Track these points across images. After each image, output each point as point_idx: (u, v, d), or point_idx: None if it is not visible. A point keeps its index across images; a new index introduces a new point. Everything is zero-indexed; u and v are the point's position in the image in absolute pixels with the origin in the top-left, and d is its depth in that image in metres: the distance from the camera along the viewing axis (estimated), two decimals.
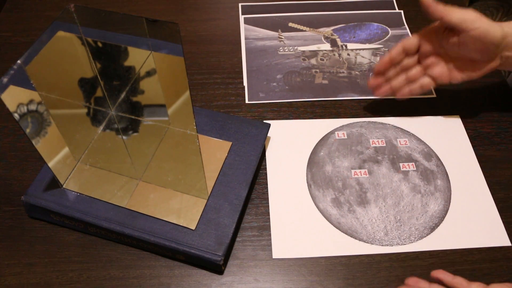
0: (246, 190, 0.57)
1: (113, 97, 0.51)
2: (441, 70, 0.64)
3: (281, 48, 0.80)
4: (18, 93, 0.45)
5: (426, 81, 0.65)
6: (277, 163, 0.63)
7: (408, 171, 0.62)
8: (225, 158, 0.60)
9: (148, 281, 0.53)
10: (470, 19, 0.57)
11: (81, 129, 0.57)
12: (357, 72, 0.76)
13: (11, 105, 0.44)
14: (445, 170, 0.63)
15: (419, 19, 0.85)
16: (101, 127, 0.58)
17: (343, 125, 0.68)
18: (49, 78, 0.49)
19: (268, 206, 0.59)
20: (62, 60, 0.50)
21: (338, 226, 0.57)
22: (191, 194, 0.56)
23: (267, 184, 0.61)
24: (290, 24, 0.85)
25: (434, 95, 0.72)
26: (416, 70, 0.65)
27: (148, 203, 0.55)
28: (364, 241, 0.56)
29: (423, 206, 0.59)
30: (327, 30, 0.84)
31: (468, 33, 0.58)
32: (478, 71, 0.62)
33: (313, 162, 0.64)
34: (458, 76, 0.63)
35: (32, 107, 0.48)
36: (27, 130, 0.48)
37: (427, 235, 0.56)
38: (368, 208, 0.59)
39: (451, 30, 0.60)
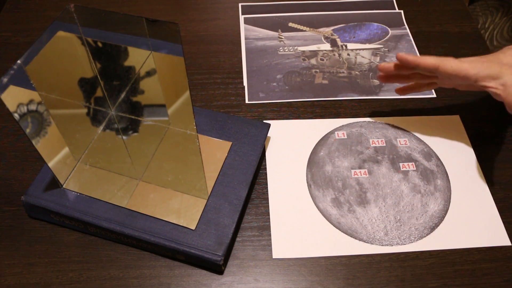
0: (246, 190, 0.57)
1: (113, 97, 0.51)
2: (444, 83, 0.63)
3: (281, 48, 0.80)
4: (18, 93, 0.45)
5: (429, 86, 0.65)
6: (277, 163, 0.63)
7: (408, 171, 0.62)
8: (225, 158, 0.60)
9: (148, 281, 0.53)
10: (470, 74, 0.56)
11: (81, 129, 0.57)
12: (357, 72, 0.76)
13: (11, 105, 0.44)
14: (445, 170, 0.63)
15: (419, 19, 0.85)
16: (101, 127, 0.58)
17: (343, 125, 0.68)
18: (49, 78, 0.49)
19: (268, 206, 0.59)
20: (62, 60, 0.50)
21: (338, 226, 0.57)
22: (191, 194, 0.56)
23: (267, 184, 0.61)
24: (290, 24, 0.85)
25: (434, 95, 0.72)
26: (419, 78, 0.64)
27: (148, 203, 0.55)
28: (364, 241, 0.56)
29: (423, 206, 0.59)
30: (327, 30, 0.84)
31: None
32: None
33: (313, 162, 0.64)
34: (461, 88, 0.63)
35: (32, 107, 0.48)
36: (27, 130, 0.48)
37: (427, 235, 0.56)
38: (368, 208, 0.59)
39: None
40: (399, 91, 0.68)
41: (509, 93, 0.54)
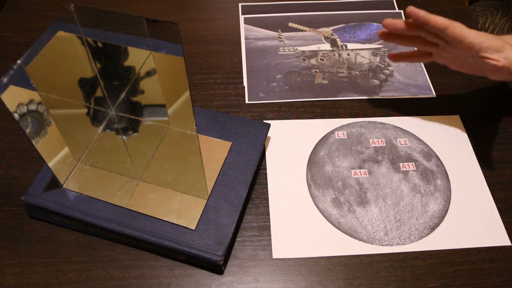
0: (246, 190, 0.57)
1: (113, 97, 0.51)
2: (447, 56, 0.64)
3: (281, 48, 0.80)
4: (18, 93, 0.45)
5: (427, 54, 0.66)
6: (277, 163, 0.63)
7: (408, 171, 0.62)
8: (225, 158, 0.60)
9: (148, 281, 0.53)
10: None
11: (81, 129, 0.57)
12: (357, 72, 0.76)
13: (11, 105, 0.44)
14: (445, 170, 0.63)
15: None
16: (101, 127, 0.58)
17: (343, 125, 0.68)
18: (49, 78, 0.49)
19: (268, 206, 0.59)
20: (62, 60, 0.50)
21: (338, 226, 0.57)
22: (191, 194, 0.56)
23: (267, 184, 0.61)
24: (290, 24, 0.85)
25: (434, 95, 0.72)
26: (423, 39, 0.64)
27: (148, 203, 0.55)
28: (364, 241, 0.56)
29: (423, 206, 0.59)
30: (327, 30, 0.84)
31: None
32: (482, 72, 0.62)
33: (313, 162, 0.64)
34: (459, 68, 0.64)
35: (32, 107, 0.48)
36: (27, 130, 0.48)
37: (427, 235, 0.56)
38: (368, 208, 0.59)
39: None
40: (392, 57, 0.68)
41: None
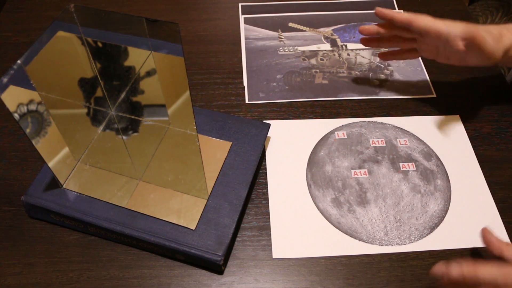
0: (246, 190, 0.57)
1: (113, 97, 0.51)
2: (431, 52, 0.65)
3: (281, 48, 0.80)
4: (18, 93, 0.45)
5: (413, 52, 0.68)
6: (277, 163, 0.63)
7: (408, 171, 0.62)
8: (225, 158, 0.60)
9: (148, 281, 0.53)
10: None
11: (81, 129, 0.57)
12: (357, 72, 0.76)
13: (11, 105, 0.44)
14: (445, 170, 0.63)
15: None
16: (101, 127, 0.58)
17: (343, 125, 0.68)
18: (49, 78, 0.49)
19: (268, 206, 0.59)
20: (62, 60, 0.50)
21: (338, 226, 0.57)
22: (191, 194, 0.56)
23: (267, 184, 0.61)
24: (290, 24, 0.85)
25: (434, 95, 0.72)
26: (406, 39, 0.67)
27: (148, 203, 0.55)
28: (364, 241, 0.56)
29: (423, 206, 0.59)
30: (327, 30, 0.84)
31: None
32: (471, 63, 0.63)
33: (313, 162, 0.64)
34: (447, 61, 0.65)
35: (32, 107, 0.48)
36: (27, 130, 0.48)
37: (427, 235, 0.56)
38: (368, 208, 0.59)
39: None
40: (381, 55, 0.72)
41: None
